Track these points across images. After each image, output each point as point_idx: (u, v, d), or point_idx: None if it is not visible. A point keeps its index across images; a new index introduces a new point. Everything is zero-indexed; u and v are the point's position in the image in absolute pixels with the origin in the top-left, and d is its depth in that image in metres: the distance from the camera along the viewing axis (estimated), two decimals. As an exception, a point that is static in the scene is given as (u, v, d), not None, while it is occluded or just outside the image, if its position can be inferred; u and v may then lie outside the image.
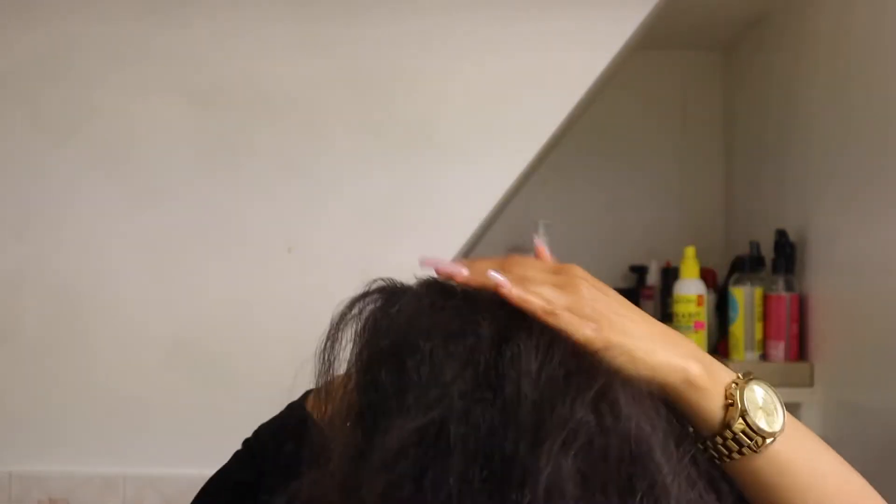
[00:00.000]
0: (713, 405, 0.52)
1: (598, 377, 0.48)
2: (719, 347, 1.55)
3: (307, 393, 0.69)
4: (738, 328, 1.48)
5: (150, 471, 1.33)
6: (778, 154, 1.64)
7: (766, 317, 1.47)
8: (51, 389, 1.35)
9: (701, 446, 0.52)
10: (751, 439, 0.51)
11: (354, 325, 0.53)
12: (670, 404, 0.52)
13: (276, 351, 1.34)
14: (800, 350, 1.46)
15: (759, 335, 1.47)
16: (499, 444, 0.45)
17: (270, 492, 0.56)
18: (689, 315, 1.50)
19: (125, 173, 1.36)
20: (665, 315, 1.67)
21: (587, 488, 0.44)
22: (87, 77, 1.36)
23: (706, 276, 1.60)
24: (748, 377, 0.54)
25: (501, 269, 0.54)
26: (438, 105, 1.35)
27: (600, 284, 0.55)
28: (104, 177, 1.36)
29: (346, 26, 1.35)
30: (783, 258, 1.46)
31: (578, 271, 0.55)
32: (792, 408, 1.47)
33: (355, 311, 0.54)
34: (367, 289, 0.56)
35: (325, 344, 0.54)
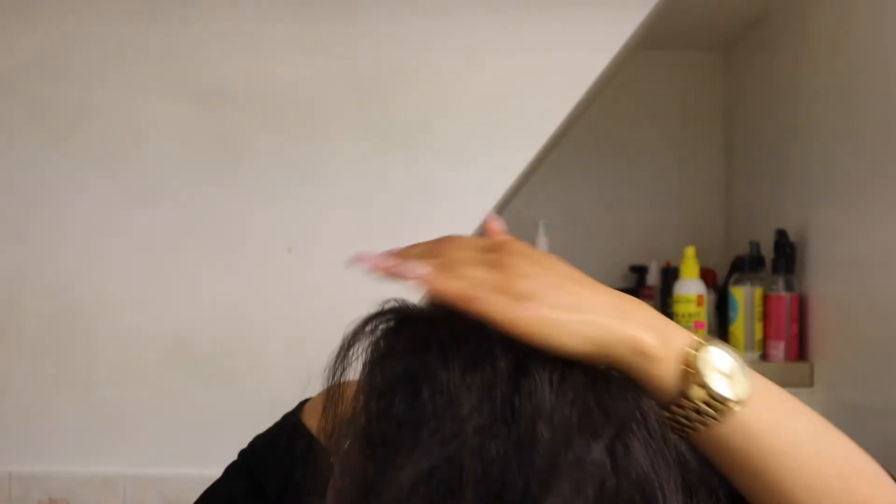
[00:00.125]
0: (668, 373, 0.48)
1: (615, 416, 0.46)
2: (719, 347, 1.55)
3: (303, 403, 0.69)
4: (738, 328, 1.48)
5: (150, 471, 1.33)
6: (778, 154, 1.64)
7: (766, 317, 1.47)
8: (51, 389, 1.35)
9: (665, 417, 0.48)
10: (713, 408, 0.47)
11: (366, 345, 0.52)
12: (679, 436, 0.49)
13: (276, 351, 1.34)
14: (800, 350, 1.46)
15: (759, 335, 1.47)
16: (511, 482, 0.44)
17: None
18: (689, 315, 1.50)
19: (125, 173, 1.36)
20: (665, 315, 1.67)
21: None
22: (87, 77, 1.36)
23: (706, 276, 1.59)
24: (708, 340, 0.50)
25: (432, 254, 0.52)
26: (438, 105, 1.35)
27: (542, 257, 0.52)
28: (104, 177, 1.36)
29: (346, 26, 1.35)
30: (783, 258, 1.46)
31: (515, 246, 0.52)
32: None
33: (368, 329, 0.53)
34: (380, 308, 0.54)
35: (336, 362, 0.53)
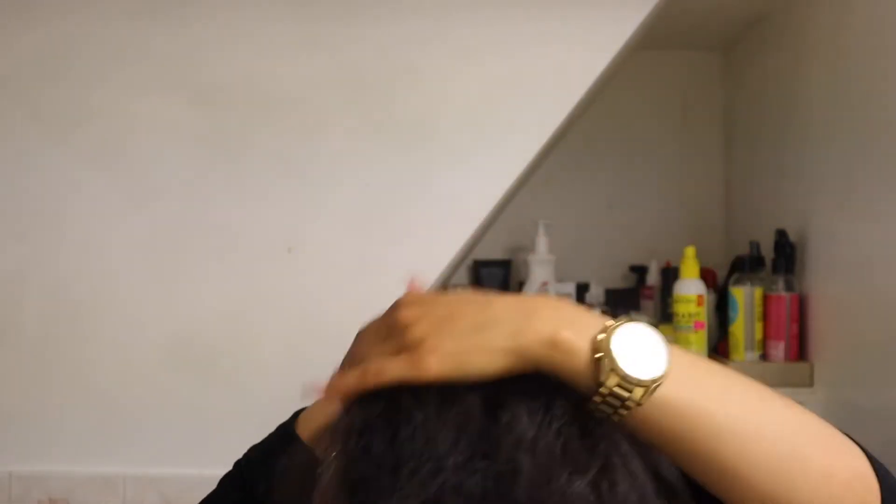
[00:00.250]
0: (583, 364, 0.46)
1: (598, 450, 0.45)
2: (719, 347, 1.55)
3: (297, 413, 0.69)
4: (738, 328, 1.48)
5: (150, 471, 1.33)
6: (778, 154, 1.64)
7: (766, 317, 1.47)
8: (51, 389, 1.35)
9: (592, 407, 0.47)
10: (628, 391, 0.45)
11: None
12: (643, 445, 0.47)
13: (276, 351, 1.34)
14: (800, 350, 1.46)
15: (759, 335, 1.47)
16: None
17: None
18: (689, 315, 1.50)
19: (125, 173, 1.36)
20: (665, 315, 1.67)
21: None
22: (87, 77, 1.36)
23: (706, 276, 1.59)
24: (620, 322, 0.48)
25: (352, 360, 0.52)
26: (438, 105, 1.35)
27: (433, 296, 0.51)
28: (104, 177, 1.36)
29: (346, 26, 1.35)
30: (783, 258, 1.46)
31: (404, 299, 0.51)
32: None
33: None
34: None
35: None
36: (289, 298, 1.35)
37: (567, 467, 0.44)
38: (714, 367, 0.49)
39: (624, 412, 0.46)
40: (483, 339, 0.47)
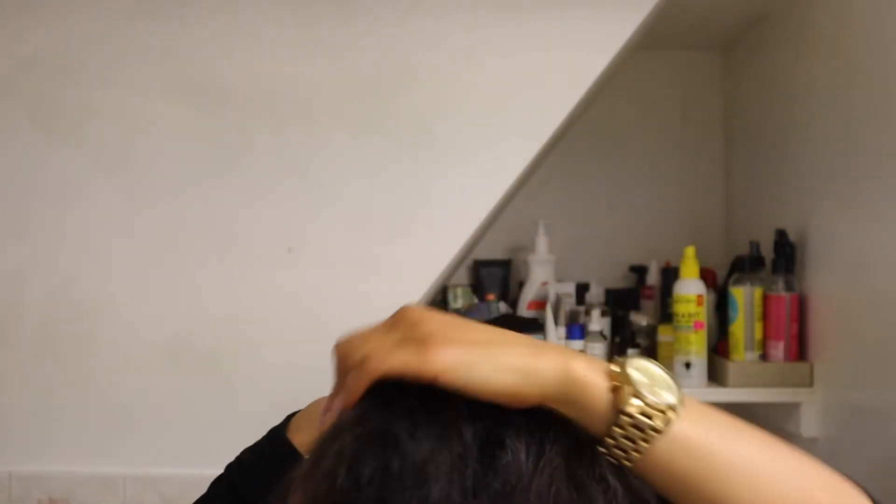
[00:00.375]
0: (601, 395, 0.45)
1: (598, 493, 0.44)
2: (719, 347, 1.55)
3: (290, 416, 0.69)
4: (737, 328, 1.48)
5: (150, 471, 1.33)
6: (778, 154, 1.64)
7: (765, 317, 1.47)
8: (51, 389, 1.35)
9: (602, 451, 0.46)
10: (650, 418, 0.45)
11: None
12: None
13: (275, 351, 1.34)
14: (800, 350, 1.46)
15: (759, 335, 1.47)
16: None
17: None
18: (689, 315, 1.50)
19: (125, 173, 1.36)
20: (665, 315, 1.67)
21: None
22: (88, 77, 1.36)
23: (706, 276, 1.59)
24: (629, 356, 0.48)
25: (341, 367, 0.48)
26: (438, 105, 1.35)
27: (440, 313, 0.50)
28: (104, 177, 1.36)
29: (346, 26, 1.35)
30: (783, 258, 1.46)
31: (409, 307, 0.49)
32: (792, 408, 1.48)
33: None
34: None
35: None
36: (289, 298, 1.35)
37: None
38: (722, 414, 0.48)
39: (639, 453, 0.45)
40: (495, 352, 0.46)
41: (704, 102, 2.02)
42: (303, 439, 0.63)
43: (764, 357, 1.47)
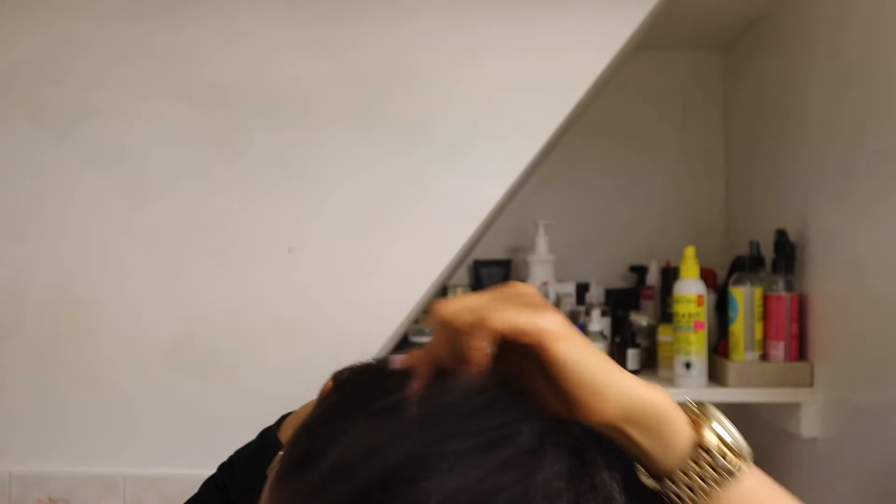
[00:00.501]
0: (681, 424, 0.44)
1: None
2: (719, 347, 1.55)
3: (283, 417, 0.69)
4: (738, 328, 1.48)
5: (150, 471, 1.33)
6: (778, 154, 1.64)
7: (766, 317, 1.47)
8: (51, 389, 1.35)
9: (668, 494, 0.44)
10: (726, 458, 0.44)
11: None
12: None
13: (276, 350, 1.34)
14: (800, 350, 1.46)
15: (759, 335, 1.47)
16: None
17: None
18: (689, 315, 1.50)
19: (125, 173, 1.36)
20: (665, 315, 1.67)
21: None
22: (87, 77, 1.36)
23: (706, 276, 1.59)
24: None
25: (449, 328, 0.44)
26: (438, 105, 1.35)
27: None
28: (104, 176, 1.36)
29: (346, 26, 1.35)
30: (783, 258, 1.46)
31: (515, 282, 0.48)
32: (792, 408, 1.48)
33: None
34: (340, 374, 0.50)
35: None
36: (289, 298, 1.35)
37: None
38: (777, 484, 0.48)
39: (713, 486, 0.44)
40: (601, 353, 0.44)
41: (704, 102, 2.02)
42: None
43: (764, 357, 1.47)
